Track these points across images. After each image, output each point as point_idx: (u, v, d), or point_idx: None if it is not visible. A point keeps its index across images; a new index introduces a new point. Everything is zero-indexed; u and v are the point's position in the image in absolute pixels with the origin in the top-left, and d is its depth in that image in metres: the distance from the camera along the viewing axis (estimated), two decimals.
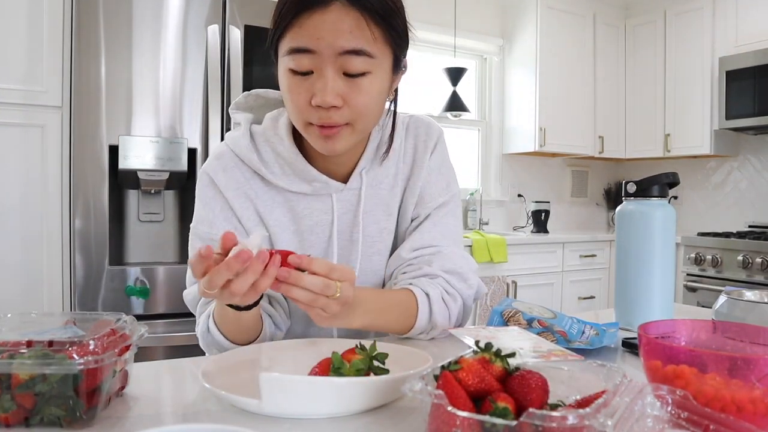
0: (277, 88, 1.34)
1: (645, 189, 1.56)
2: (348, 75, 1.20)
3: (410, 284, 1.37)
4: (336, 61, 1.17)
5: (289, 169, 1.39)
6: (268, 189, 1.41)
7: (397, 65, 1.30)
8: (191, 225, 1.44)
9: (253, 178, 1.41)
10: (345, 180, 1.43)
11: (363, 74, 1.20)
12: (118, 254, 3.21)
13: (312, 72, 1.19)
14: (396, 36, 1.24)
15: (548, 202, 5.47)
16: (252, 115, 1.46)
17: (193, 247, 1.42)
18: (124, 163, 2.99)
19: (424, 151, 1.50)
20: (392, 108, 1.42)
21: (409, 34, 1.31)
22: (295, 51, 1.18)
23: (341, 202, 1.43)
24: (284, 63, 1.21)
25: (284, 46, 1.20)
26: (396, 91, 1.39)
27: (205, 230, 1.39)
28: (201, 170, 1.43)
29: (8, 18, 2.94)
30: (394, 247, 1.51)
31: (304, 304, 1.07)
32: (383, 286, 1.50)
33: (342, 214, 1.44)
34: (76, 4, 2.92)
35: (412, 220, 1.51)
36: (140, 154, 3.01)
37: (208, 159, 1.45)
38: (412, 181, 1.49)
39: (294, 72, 1.20)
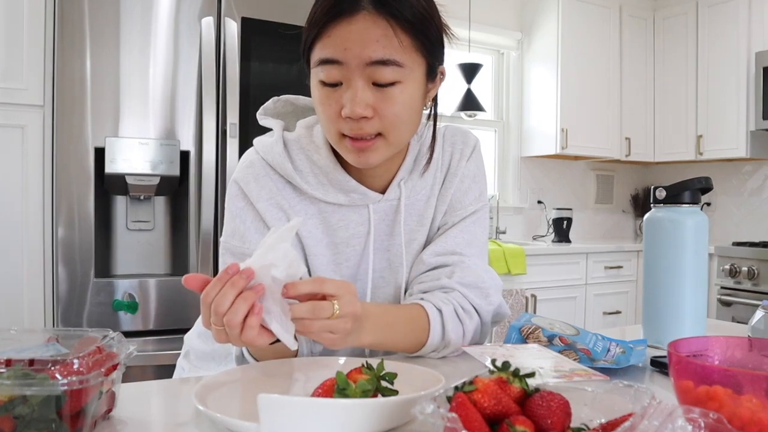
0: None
1: (675, 195, 1.56)
2: (377, 85, 1.24)
3: (422, 299, 1.39)
4: (364, 71, 1.23)
5: (324, 179, 1.42)
6: (301, 199, 1.45)
7: (432, 73, 1.35)
8: (221, 239, 1.47)
9: (285, 187, 1.44)
10: (382, 191, 1.47)
11: (393, 84, 1.25)
12: (104, 265, 3.21)
13: (341, 83, 1.25)
14: (428, 44, 1.29)
15: (570, 209, 5.47)
16: (283, 122, 1.50)
17: (224, 263, 1.43)
18: (111, 167, 2.99)
19: (459, 158, 1.54)
20: (431, 117, 1.47)
21: (447, 40, 1.37)
22: (324, 62, 1.24)
23: (377, 213, 1.47)
24: (315, 74, 1.28)
25: (315, 56, 1.27)
26: (435, 99, 1.44)
27: (236, 244, 1.42)
28: (231, 180, 1.47)
29: None
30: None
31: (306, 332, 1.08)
32: (404, 292, 1.52)
33: (378, 226, 1.48)
34: None
35: (439, 228, 1.54)
36: (129, 157, 3.02)
37: (237, 168, 1.49)
38: (445, 187, 1.53)
39: (324, 83, 1.26)
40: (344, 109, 1.24)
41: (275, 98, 1.56)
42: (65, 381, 0.81)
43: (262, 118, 1.53)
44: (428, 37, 1.28)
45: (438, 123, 1.49)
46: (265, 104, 1.55)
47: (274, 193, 1.43)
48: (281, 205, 1.43)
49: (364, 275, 1.48)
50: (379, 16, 1.21)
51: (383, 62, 1.22)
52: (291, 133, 1.47)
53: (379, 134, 1.28)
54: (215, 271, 1.41)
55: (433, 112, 1.46)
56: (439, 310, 1.36)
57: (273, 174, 1.44)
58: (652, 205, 1.61)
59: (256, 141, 1.50)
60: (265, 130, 1.53)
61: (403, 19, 1.22)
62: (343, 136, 1.29)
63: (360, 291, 1.47)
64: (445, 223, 1.53)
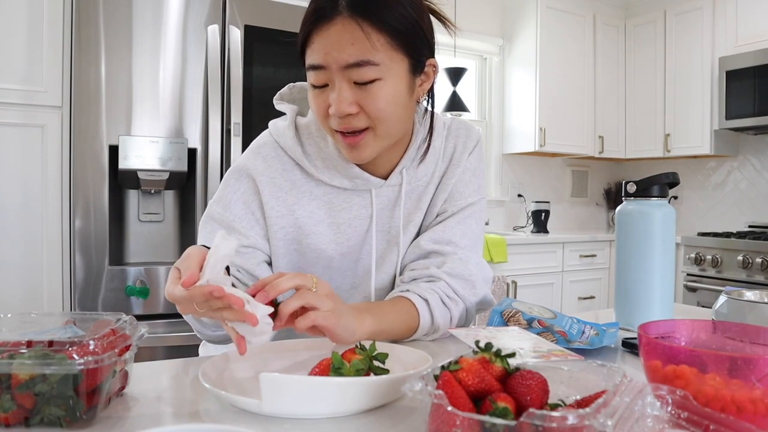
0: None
1: (645, 189, 1.56)
2: (359, 83, 1.24)
3: (407, 290, 1.39)
4: (344, 73, 1.23)
5: (331, 164, 1.42)
6: (307, 181, 1.44)
7: (419, 68, 1.33)
8: (209, 203, 1.45)
9: (294, 168, 1.44)
10: (385, 177, 1.47)
11: (373, 81, 1.24)
12: (118, 254, 3.21)
13: (328, 84, 1.26)
14: (408, 41, 1.27)
15: (548, 202, 5.47)
16: (297, 107, 1.50)
17: (205, 223, 1.43)
18: (124, 163, 2.98)
19: (463, 150, 1.53)
20: (429, 108, 1.47)
21: (449, 31, 1.39)
22: (311, 68, 1.26)
23: (380, 198, 1.47)
24: (308, 77, 1.29)
25: (306, 61, 1.28)
26: (431, 91, 1.43)
27: (219, 211, 1.41)
28: (243, 155, 1.46)
29: (8, 18, 2.94)
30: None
31: (307, 319, 1.06)
32: (399, 274, 1.52)
33: (380, 209, 1.47)
34: (76, 4, 2.92)
35: (437, 215, 1.53)
36: (140, 154, 3.01)
37: (250, 147, 1.48)
38: (447, 177, 1.52)
39: (314, 86, 1.28)
40: (330, 108, 1.25)
41: (291, 84, 1.55)
42: (82, 361, 0.81)
43: (278, 102, 1.52)
44: (406, 34, 1.26)
45: (435, 115, 1.49)
46: (282, 90, 1.54)
47: (278, 173, 1.42)
48: (283, 187, 1.42)
49: (368, 256, 1.48)
50: (353, 20, 1.20)
51: (358, 64, 1.22)
52: (303, 119, 1.46)
53: (367, 128, 1.28)
54: None
55: (430, 103, 1.45)
56: (425, 300, 1.36)
57: (283, 156, 1.44)
58: (623, 198, 1.61)
59: (271, 124, 1.50)
60: (275, 115, 1.53)
61: (379, 20, 1.22)
62: (335, 131, 1.30)
63: (364, 270, 1.48)
64: (444, 211, 1.51)
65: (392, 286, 1.52)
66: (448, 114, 5.12)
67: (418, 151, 1.48)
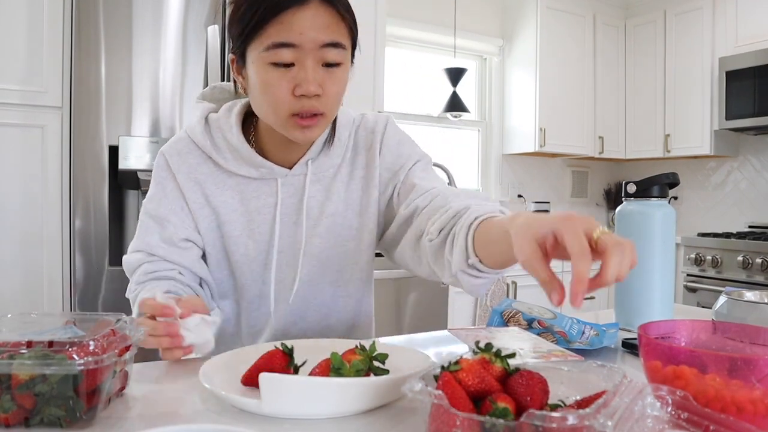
0: None
1: (645, 189, 1.56)
2: (326, 65, 1.28)
3: (464, 218, 1.20)
4: (317, 53, 1.26)
5: (238, 155, 1.45)
6: (220, 173, 1.48)
7: (352, 60, 1.39)
8: (143, 201, 1.52)
9: (206, 162, 1.48)
10: (291, 167, 1.49)
11: (338, 64, 1.29)
12: (118, 255, 3.20)
13: (293, 64, 1.26)
14: (355, 32, 1.35)
15: (548, 202, 5.46)
16: (214, 105, 1.53)
17: (142, 221, 1.51)
18: (124, 164, 2.98)
19: (374, 134, 1.54)
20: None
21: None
22: (278, 46, 1.24)
23: (286, 187, 1.49)
24: (262, 58, 1.27)
25: (262, 43, 1.26)
26: None
27: (152, 207, 1.49)
28: (159, 151, 1.52)
29: (8, 18, 2.93)
30: (338, 236, 1.51)
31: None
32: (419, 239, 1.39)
33: (286, 198, 1.49)
34: (76, 4, 2.92)
35: (393, 192, 1.50)
36: (140, 155, 3.01)
37: (168, 142, 1.54)
38: (370, 168, 1.52)
39: (275, 65, 1.26)
40: (298, 87, 1.25)
41: (212, 85, 1.59)
42: (82, 361, 0.81)
43: (199, 101, 1.56)
44: (355, 24, 1.33)
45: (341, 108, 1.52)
46: (204, 90, 1.59)
47: (193, 167, 1.47)
48: (198, 179, 1.47)
49: (274, 243, 1.49)
50: (325, 5, 1.25)
51: (333, 44, 1.26)
52: (215, 114, 1.50)
53: (322, 113, 1.31)
54: None
55: None
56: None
57: (195, 150, 1.48)
58: (623, 198, 1.62)
59: (188, 123, 1.54)
60: None
61: (343, 8, 1.27)
62: (293, 115, 1.30)
63: (269, 255, 1.49)
64: (397, 181, 1.49)
65: (295, 277, 1.49)
66: (449, 115, 5.15)
67: (325, 143, 1.51)
